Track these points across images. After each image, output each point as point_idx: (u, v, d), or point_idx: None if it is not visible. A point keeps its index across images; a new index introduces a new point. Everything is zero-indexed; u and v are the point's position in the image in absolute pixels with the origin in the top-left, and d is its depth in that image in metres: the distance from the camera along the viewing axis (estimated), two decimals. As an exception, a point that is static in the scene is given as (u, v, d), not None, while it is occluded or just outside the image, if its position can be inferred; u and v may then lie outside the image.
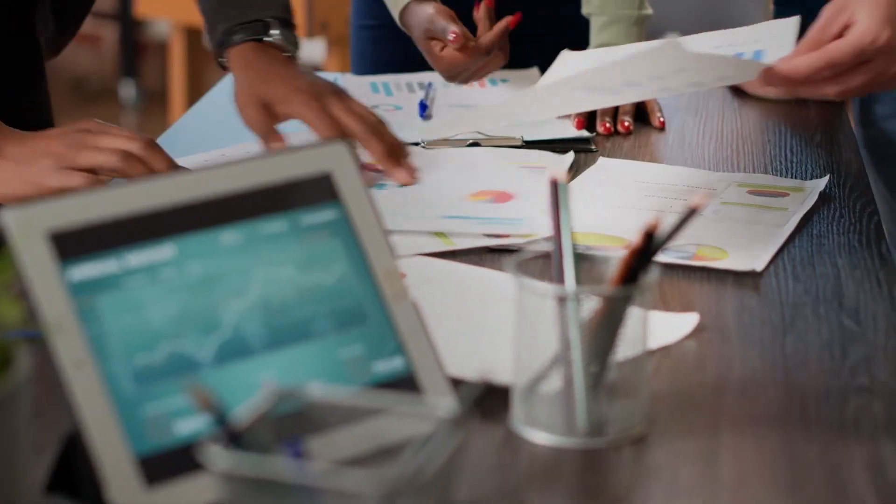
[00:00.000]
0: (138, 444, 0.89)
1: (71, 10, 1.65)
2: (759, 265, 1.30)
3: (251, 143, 1.63)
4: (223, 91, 1.97)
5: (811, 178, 1.56)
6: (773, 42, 1.44)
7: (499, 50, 1.70)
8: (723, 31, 1.53)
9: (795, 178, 1.57)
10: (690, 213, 0.99)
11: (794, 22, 1.45)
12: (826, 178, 1.53)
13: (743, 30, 1.51)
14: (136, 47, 5.11)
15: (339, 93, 1.55)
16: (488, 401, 1.03)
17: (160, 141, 1.70)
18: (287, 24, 1.61)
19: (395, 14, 1.74)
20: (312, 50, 4.66)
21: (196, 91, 3.79)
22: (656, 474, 0.97)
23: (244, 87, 1.56)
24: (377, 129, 1.53)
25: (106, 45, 5.43)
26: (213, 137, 1.70)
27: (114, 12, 5.15)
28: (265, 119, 1.54)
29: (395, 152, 1.53)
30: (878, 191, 1.88)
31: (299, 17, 3.93)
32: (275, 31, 1.58)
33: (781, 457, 0.98)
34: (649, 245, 0.98)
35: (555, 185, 1.03)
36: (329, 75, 1.94)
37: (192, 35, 3.88)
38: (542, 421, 1.01)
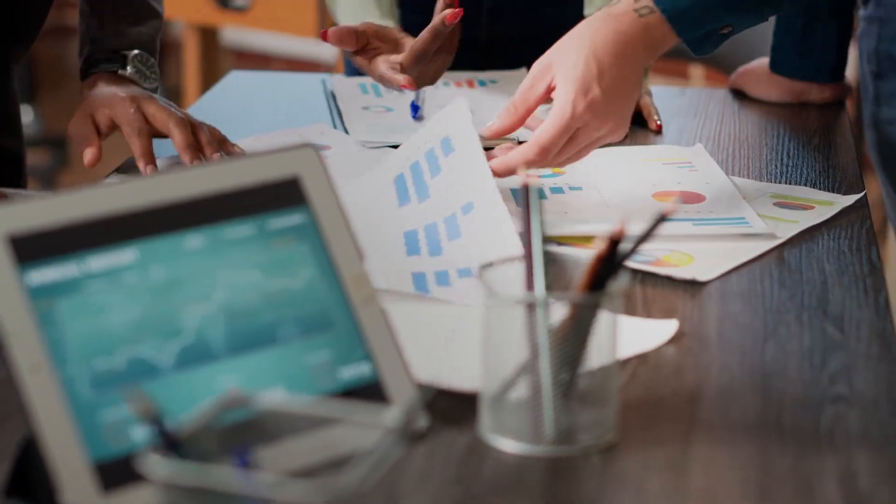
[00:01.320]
0: (95, 449, 0.88)
1: (25, 20, 1.66)
2: (704, 276, 1.29)
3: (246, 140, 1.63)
4: (222, 89, 1.97)
5: (814, 186, 1.54)
6: (454, 127, 1.43)
7: (441, 50, 1.61)
8: (409, 139, 1.50)
9: (791, 183, 1.56)
10: (659, 220, 0.98)
11: (461, 105, 1.44)
12: (857, 196, 1.50)
13: (424, 129, 1.49)
14: (161, 46, 5.10)
15: (162, 101, 1.59)
16: (456, 408, 1.03)
17: (155, 141, 1.70)
18: (146, 59, 1.65)
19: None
20: (323, 50, 4.66)
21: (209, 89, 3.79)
22: (623, 484, 0.96)
23: (80, 107, 1.59)
24: (183, 123, 1.55)
25: (128, 44, 5.43)
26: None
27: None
28: (84, 129, 1.56)
29: (200, 144, 1.55)
30: (888, 194, 1.86)
31: (310, 17, 3.94)
32: (130, 68, 1.63)
33: (752, 467, 0.97)
34: (614, 251, 0.96)
35: (526, 189, 1.02)
36: (320, 76, 1.93)
37: (205, 34, 3.88)
38: (509, 428, 0.99)
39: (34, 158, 4.12)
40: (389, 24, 1.66)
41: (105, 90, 1.60)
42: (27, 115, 4.26)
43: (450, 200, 1.39)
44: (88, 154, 1.55)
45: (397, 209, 1.42)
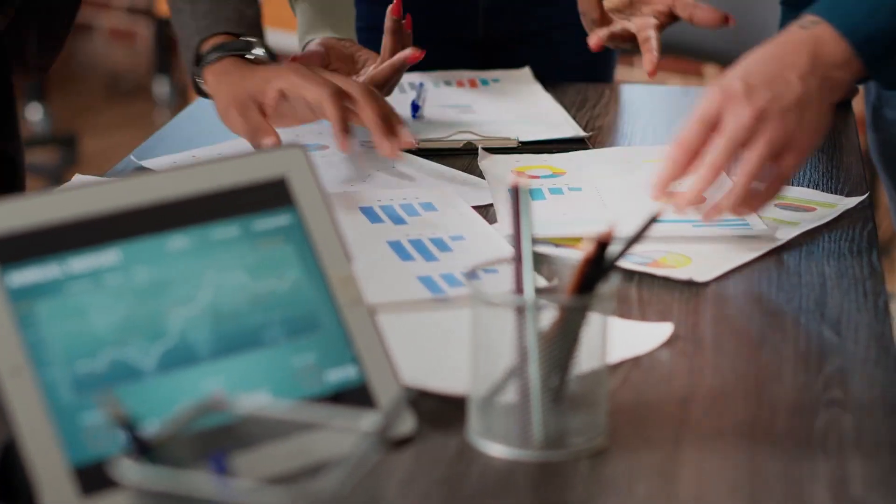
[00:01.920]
0: (75, 453, 0.87)
1: (54, 30, 1.65)
2: (702, 277, 1.27)
3: (229, 144, 1.62)
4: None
5: (817, 187, 1.53)
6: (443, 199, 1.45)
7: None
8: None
9: (794, 184, 1.54)
10: (651, 221, 0.96)
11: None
12: (860, 199, 1.48)
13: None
14: (170, 44, 5.11)
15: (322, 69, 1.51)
16: (444, 411, 1.02)
17: (151, 141, 1.69)
18: (266, 47, 1.53)
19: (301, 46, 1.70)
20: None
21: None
22: (612, 489, 0.95)
23: (222, 93, 1.49)
24: (371, 91, 1.45)
25: (140, 42, 5.44)
26: (204, 137, 1.69)
27: (148, 8, 5.16)
28: (254, 118, 1.47)
29: (389, 119, 1.44)
30: (891, 196, 1.85)
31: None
32: (258, 52, 1.51)
33: (743, 472, 0.96)
34: (602, 253, 0.95)
35: (516, 191, 1.00)
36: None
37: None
38: (498, 432, 0.98)
39: (42, 157, 4.12)
40: (349, 37, 1.66)
41: (257, 69, 1.46)
42: (36, 113, 4.26)
43: (435, 227, 1.38)
44: (269, 143, 1.44)
45: (369, 225, 1.39)
